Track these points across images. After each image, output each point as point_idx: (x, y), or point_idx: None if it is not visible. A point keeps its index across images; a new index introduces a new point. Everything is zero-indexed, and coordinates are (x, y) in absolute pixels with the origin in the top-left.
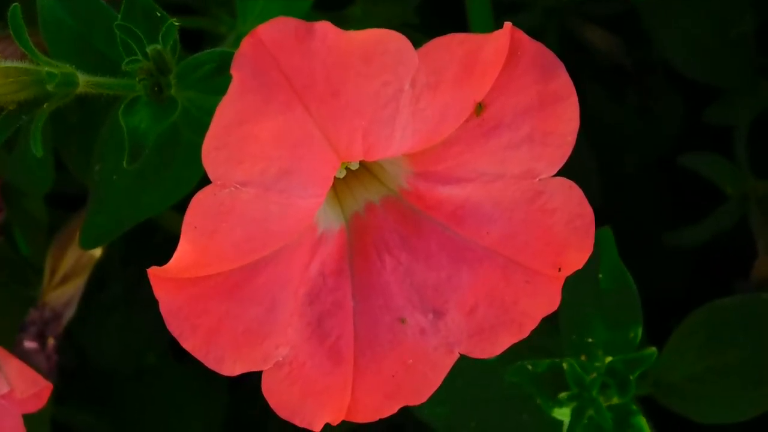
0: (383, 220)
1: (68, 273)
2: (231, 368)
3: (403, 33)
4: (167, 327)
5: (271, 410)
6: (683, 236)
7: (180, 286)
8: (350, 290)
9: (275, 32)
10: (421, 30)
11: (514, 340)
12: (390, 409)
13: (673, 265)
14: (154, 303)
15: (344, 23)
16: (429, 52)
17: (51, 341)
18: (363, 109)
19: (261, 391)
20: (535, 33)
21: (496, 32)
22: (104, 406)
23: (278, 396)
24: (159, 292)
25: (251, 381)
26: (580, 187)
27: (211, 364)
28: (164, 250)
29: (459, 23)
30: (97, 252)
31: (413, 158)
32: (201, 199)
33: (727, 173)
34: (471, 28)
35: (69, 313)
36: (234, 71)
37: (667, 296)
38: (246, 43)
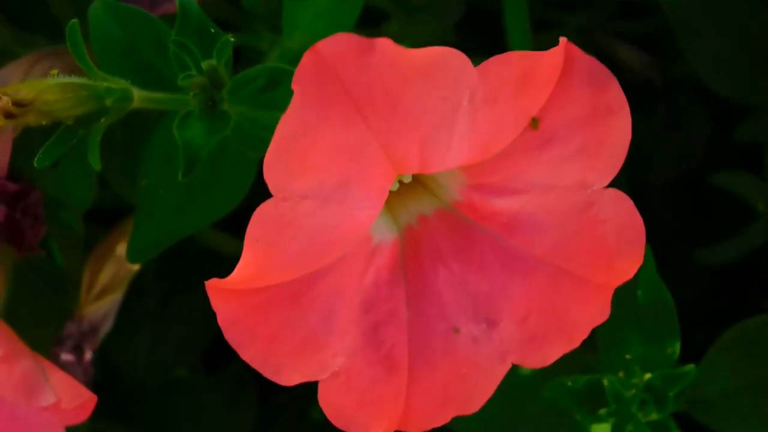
0: (436, 231)
1: (106, 287)
2: (289, 378)
3: None
4: (226, 338)
5: (299, 425)
6: (714, 253)
7: (238, 297)
8: (404, 300)
9: (336, 47)
10: (458, 47)
11: (566, 349)
12: (443, 418)
13: (700, 282)
14: (186, 316)
15: None
16: (488, 68)
17: (88, 354)
18: (420, 122)
19: (290, 406)
20: None
21: (553, 49)
22: (133, 419)
23: (335, 406)
24: (217, 303)
25: (281, 396)
26: None
27: (269, 374)
28: (198, 264)
29: (497, 40)
30: (135, 266)
31: (467, 171)
32: (263, 212)
33: (759, 191)
34: (509, 45)
35: (106, 327)
36: (295, 86)
37: (694, 312)
38: (307, 58)
